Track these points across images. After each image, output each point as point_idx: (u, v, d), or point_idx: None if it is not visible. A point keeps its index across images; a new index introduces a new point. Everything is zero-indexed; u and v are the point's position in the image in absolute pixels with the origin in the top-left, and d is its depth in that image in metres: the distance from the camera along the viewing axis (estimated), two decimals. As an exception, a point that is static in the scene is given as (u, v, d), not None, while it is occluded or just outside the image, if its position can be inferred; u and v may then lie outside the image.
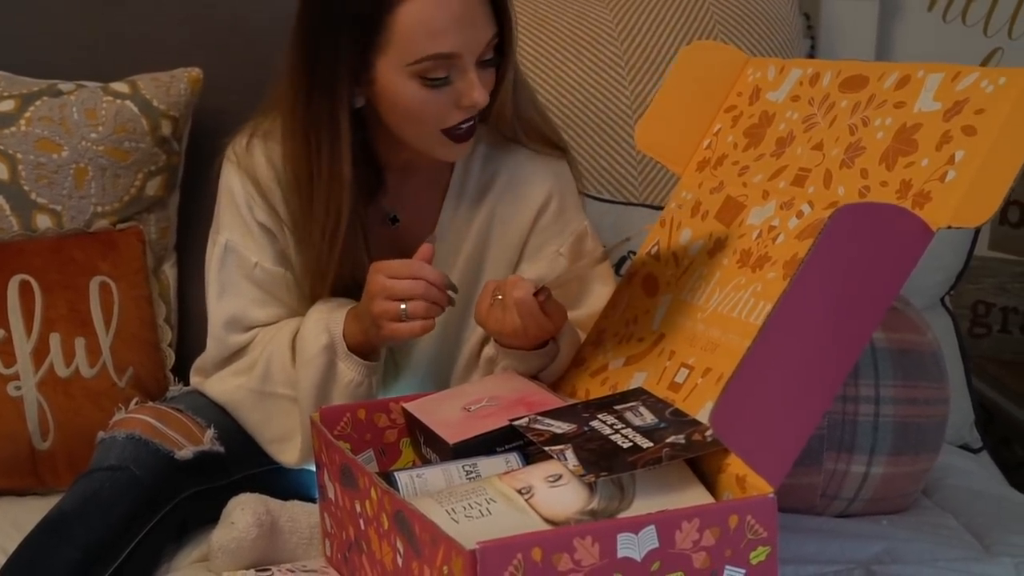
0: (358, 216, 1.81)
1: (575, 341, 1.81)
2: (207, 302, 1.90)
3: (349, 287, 1.83)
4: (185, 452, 1.79)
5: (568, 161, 1.93)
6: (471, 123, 1.77)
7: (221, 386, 1.89)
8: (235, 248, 1.87)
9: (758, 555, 1.36)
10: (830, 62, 1.74)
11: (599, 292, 1.88)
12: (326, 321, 1.79)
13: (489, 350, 1.82)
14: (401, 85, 1.73)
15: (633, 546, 1.31)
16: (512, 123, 1.86)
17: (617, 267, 2.16)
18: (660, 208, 2.25)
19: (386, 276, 1.69)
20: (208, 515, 1.77)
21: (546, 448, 1.49)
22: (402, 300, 1.68)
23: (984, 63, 2.77)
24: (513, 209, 1.90)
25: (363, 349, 1.79)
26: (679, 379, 1.57)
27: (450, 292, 1.71)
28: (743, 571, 1.36)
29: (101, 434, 1.82)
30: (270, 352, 1.85)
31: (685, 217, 1.77)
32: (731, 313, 1.56)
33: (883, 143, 1.55)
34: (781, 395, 1.38)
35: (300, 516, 1.74)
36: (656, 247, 1.79)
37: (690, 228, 1.75)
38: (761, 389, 1.37)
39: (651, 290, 1.75)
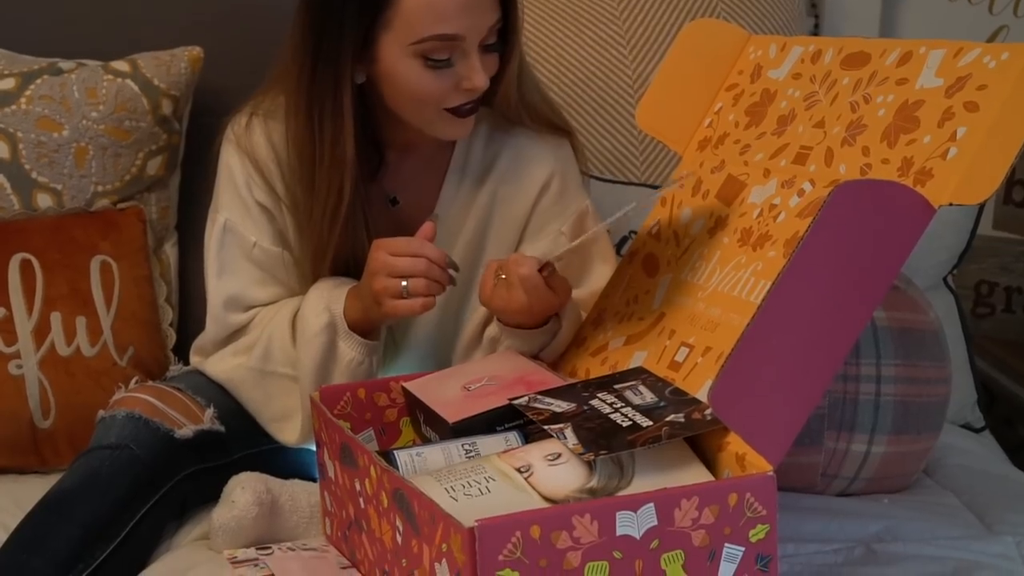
0: (359, 195, 1.80)
1: (577, 318, 1.81)
2: (206, 281, 1.90)
3: (349, 267, 1.83)
4: (185, 431, 1.80)
5: (572, 143, 1.92)
6: (472, 104, 1.77)
7: (221, 365, 1.89)
8: (234, 228, 1.87)
9: (757, 533, 1.36)
10: (832, 39, 1.74)
11: (600, 271, 1.88)
12: (327, 300, 1.79)
13: (492, 330, 1.82)
14: (403, 64, 1.72)
15: (632, 524, 1.31)
16: (516, 107, 1.86)
17: (618, 247, 2.15)
18: (643, 184, 2.26)
19: (388, 253, 1.69)
20: (208, 494, 1.77)
21: (545, 427, 1.49)
22: (403, 277, 1.68)
23: (990, 41, 2.75)
24: (515, 189, 1.89)
25: (363, 327, 1.78)
26: (679, 358, 1.57)
27: (451, 271, 1.70)
28: (742, 549, 1.36)
29: (101, 413, 1.82)
30: (270, 332, 1.85)
31: (686, 196, 1.76)
32: (731, 292, 1.56)
33: (884, 120, 1.54)
34: (780, 372, 1.38)
35: (300, 495, 1.74)
36: (657, 226, 1.79)
37: (691, 207, 1.74)
38: (760, 366, 1.37)
39: (652, 270, 1.74)
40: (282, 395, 1.86)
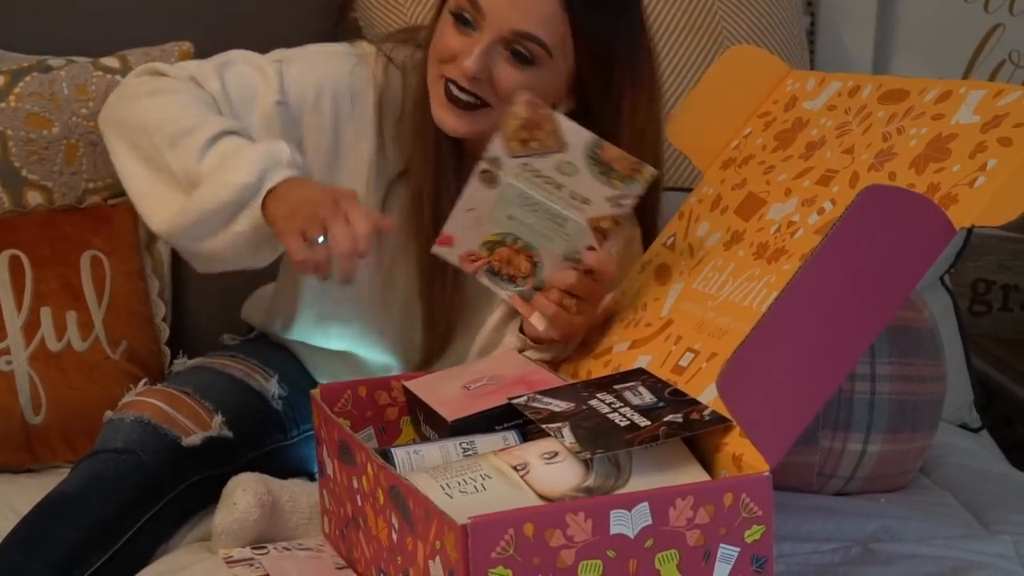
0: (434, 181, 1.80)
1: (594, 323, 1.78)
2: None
3: None
4: (193, 439, 1.77)
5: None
6: (467, 96, 1.73)
7: (133, 104, 1.78)
8: (281, 75, 1.82)
9: (753, 533, 1.36)
10: (872, 76, 1.74)
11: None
12: (268, 164, 1.67)
13: (512, 340, 1.79)
14: (444, 15, 1.73)
15: (626, 523, 1.31)
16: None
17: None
18: (667, 188, 2.25)
19: (347, 204, 1.58)
20: (210, 499, 1.74)
21: (543, 426, 1.48)
22: (328, 234, 1.58)
23: (985, 39, 2.75)
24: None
25: (275, 218, 1.65)
26: (683, 363, 1.56)
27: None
28: (738, 549, 1.35)
29: (109, 414, 1.80)
30: (196, 124, 1.72)
31: (704, 211, 1.76)
32: (742, 302, 1.55)
33: (915, 150, 1.54)
34: (790, 369, 1.36)
35: (300, 495, 1.73)
36: (672, 238, 1.78)
37: (708, 221, 1.74)
38: (771, 358, 1.35)
39: (663, 278, 1.74)
40: (163, 188, 1.74)
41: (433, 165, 1.81)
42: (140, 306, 2.08)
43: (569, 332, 1.70)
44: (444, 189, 1.81)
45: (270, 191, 1.65)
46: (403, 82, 1.84)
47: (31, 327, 2.01)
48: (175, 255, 2.17)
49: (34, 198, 2.07)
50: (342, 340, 1.97)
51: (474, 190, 1.64)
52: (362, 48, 1.89)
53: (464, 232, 1.65)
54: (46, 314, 2.01)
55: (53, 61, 2.14)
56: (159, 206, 1.73)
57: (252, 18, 2.10)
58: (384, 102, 1.85)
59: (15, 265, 2.02)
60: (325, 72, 1.84)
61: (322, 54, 1.87)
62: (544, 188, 1.63)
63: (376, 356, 1.97)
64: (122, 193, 2.10)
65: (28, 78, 2.11)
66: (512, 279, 1.68)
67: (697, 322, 1.59)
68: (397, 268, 1.88)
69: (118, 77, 2.11)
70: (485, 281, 1.67)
